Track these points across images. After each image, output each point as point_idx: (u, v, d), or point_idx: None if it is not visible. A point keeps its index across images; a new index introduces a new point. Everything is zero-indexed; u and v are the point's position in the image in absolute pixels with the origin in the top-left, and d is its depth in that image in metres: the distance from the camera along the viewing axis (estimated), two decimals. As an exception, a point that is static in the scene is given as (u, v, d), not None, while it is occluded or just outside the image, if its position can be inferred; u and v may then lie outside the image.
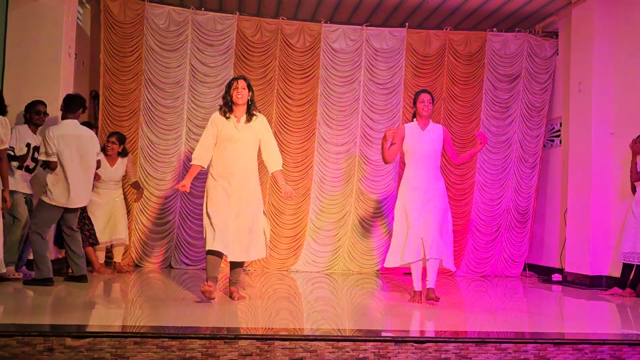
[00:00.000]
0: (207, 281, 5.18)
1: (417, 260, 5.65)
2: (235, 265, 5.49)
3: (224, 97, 5.45)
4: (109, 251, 7.56)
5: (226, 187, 5.27)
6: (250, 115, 5.41)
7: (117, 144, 7.30)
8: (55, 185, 5.99)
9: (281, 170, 5.53)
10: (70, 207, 6.10)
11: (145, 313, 4.79)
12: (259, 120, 5.48)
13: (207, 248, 5.23)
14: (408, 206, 5.69)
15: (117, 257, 7.44)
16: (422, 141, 5.80)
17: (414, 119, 5.96)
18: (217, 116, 5.42)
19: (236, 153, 5.33)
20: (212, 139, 5.39)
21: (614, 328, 5.21)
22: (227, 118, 5.37)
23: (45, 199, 6.00)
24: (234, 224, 5.26)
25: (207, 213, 5.28)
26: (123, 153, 7.39)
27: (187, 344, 3.64)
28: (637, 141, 7.04)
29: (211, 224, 5.23)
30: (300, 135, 8.63)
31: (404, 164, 6.09)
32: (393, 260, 5.74)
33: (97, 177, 6.72)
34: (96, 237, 7.00)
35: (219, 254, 5.24)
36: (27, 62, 6.82)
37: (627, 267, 6.95)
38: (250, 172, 5.39)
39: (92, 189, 6.87)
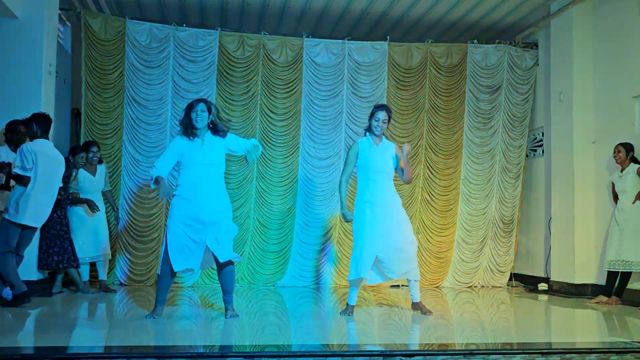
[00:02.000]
0: None
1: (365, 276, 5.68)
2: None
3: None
4: (92, 268, 7.48)
5: None
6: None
7: (99, 152, 7.32)
8: (23, 203, 5.80)
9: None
10: (34, 226, 5.99)
11: (129, 333, 4.73)
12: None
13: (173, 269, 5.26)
14: (363, 222, 5.68)
15: (103, 275, 7.36)
16: (375, 157, 5.76)
17: (366, 134, 5.90)
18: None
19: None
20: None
21: (601, 336, 5.23)
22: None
23: (9, 217, 5.81)
24: (195, 241, 5.27)
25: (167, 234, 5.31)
26: (100, 160, 7.38)
27: (173, 363, 3.60)
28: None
29: (169, 243, 5.22)
30: (284, 149, 8.62)
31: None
32: (352, 274, 5.72)
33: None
34: (77, 258, 6.93)
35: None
36: (7, 80, 6.76)
37: (611, 275, 7.00)
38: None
39: (76, 203, 6.97)
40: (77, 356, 3.59)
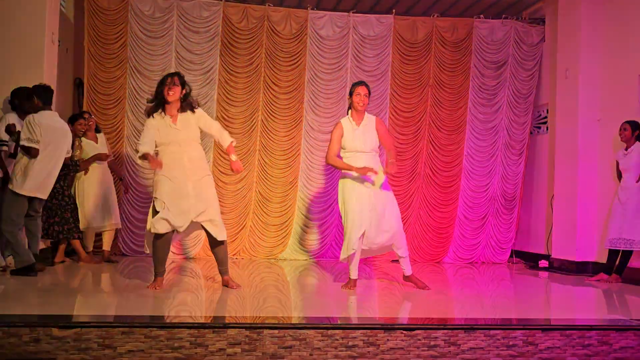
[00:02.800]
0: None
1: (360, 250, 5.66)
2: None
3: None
4: (97, 238, 7.51)
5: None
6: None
7: (93, 118, 7.31)
8: (27, 175, 5.78)
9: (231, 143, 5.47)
10: (40, 197, 5.97)
11: (133, 302, 4.76)
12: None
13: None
14: (350, 200, 5.62)
15: (107, 245, 7.36)
16: (357, 138, 5.67)
17: (349, 112, 5.80)
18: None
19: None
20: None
21: (601, 314, 5.25)
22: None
23: (15, 188, 5.78)
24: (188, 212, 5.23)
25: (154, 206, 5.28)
26: (97, 129, 7.36)
27: (175, 333, 3.62)
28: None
29: (162, 212, 5.18)
30: (287, 122, 8.59)
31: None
32: (343, 253, 5.71)
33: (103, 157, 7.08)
34: (78, 228, 6.96)
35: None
36: (10, 50, 6.69)
37: (613, 253, 7.00)
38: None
39: (85, 172, 7.03)
40: (79, 325, 3.60)
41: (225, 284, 5.46)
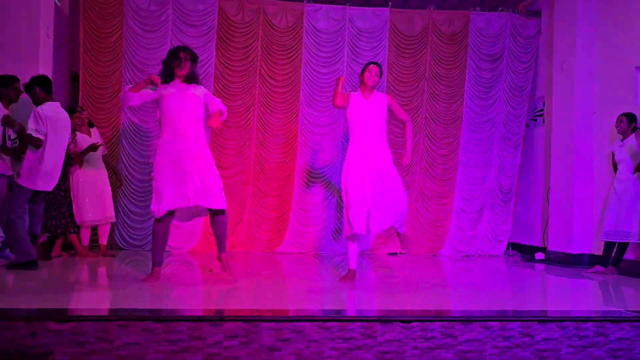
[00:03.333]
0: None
1: (361, 233, 5.63)
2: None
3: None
4: (93, 232, 7.51)
5: None
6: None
7: (85, 111, 7.32)
8: (34, 169, 5.82)
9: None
10: (47, 190, 6.03)
11: (130, 296, 4.76)
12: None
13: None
14: (352, 177, 5.63)
15: (103, 239, 7.36)
16: (365, 111, 5.73)
17: (359, 88, 5.89)
18: None
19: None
20: None
21: (597, 305, 5.27)
22: None
23: (21, 181, 5.82)
24: (185, 181, 5.27)
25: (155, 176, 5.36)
26: (90, 124, 7.36)
27: (172, 326, 3.62)
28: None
29: (158, 187, 5.28)
30: (283, 116, 8.58)
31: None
32: (344, 231, 5.73)
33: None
34: (75, 222, 6.97)
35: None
36: (4, 44, 6.67)
37: (609, 245, 7.02)
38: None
39: (80, 165, 7.01)
40: (75, 318, 3.61)
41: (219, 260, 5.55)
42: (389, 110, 5.84)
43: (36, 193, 6.00)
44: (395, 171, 5.79)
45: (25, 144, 5.90)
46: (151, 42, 8.19)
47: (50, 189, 6.07)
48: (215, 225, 5.54)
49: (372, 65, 5.81)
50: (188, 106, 5.39)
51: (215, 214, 5.47)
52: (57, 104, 6.12)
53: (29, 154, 5.85)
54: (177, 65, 5.38)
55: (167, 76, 5.42)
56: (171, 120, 5.37)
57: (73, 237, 7.01)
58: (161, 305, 4.48)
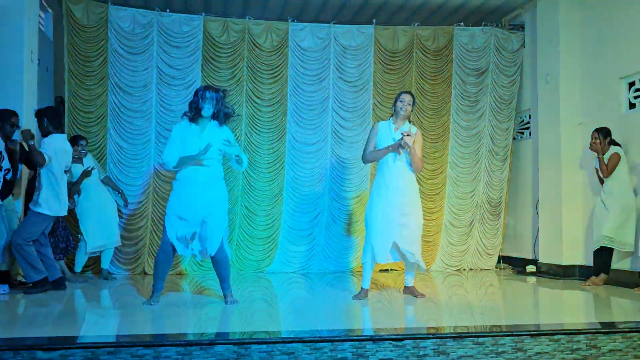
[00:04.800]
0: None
1: (381, 262, 5.78)
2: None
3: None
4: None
5: None
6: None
7: (87, 145, 7.35)
8: (50, 196, 5.99)
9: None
10: (61, 215, 6.23)
11: (119, 321, 4.71)
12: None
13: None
14: (379, 205, 5.71)
15: (106, 263, 7.40)
16: (392, 140, 5.79)
17: (391, 117, 5.96)
18: None
19: None
20: None
21: (589, 317, 5.26)
22: None
23: (38, 209, 5.97)
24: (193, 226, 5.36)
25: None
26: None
27: (162, 351, 3.58)
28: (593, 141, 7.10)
29: (167, 232, 5.36)
30: (271, 135, 8.57)
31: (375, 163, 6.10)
32: (365, 256, 5.82)
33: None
34: (68, 250, 6.96)
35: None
36: (-12, 69, 6.65)
37: (597, 255, 7.02)
38: None
39: (78, 194, 7.08)
40: (64, 346, 3.55)
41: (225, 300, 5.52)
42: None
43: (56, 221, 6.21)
44: (419, 204, 5.88)
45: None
46: (137, 65, 8.18)
47: (65, 214, 6.29)
48: (215, 265, 5.52)
49: (405, 94, 5.86)
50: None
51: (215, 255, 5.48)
52: (64, 136, 6.28)
53: (45, 182, 6.00)
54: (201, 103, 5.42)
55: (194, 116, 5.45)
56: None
57: (62, 264, 6.95)
58: (150, 330, 4.43)
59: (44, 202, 5.98)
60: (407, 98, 5.81)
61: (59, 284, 6.18)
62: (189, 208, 5.29)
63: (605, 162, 6.93)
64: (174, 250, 5.41)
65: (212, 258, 5.45)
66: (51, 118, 6.10)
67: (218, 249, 5.37)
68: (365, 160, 5.99)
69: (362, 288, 5.88)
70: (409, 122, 5.93)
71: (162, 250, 5.39)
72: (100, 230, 7.19)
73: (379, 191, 5.77)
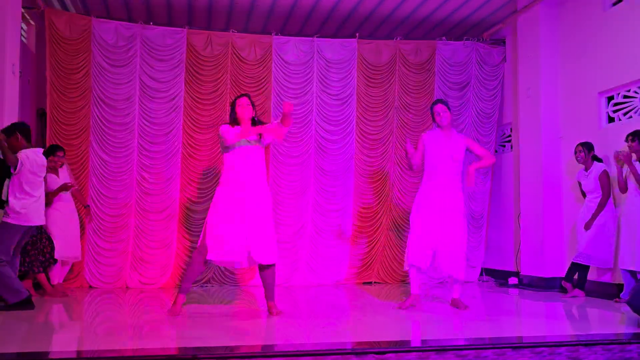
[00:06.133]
0: None
1: (422, 267, 5.92)
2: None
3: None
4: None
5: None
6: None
7: (64, 156, 7.27)
8: (27, 206, 5.92)
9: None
10: (39, 224, 6.16)
11: (100, 335, 4.66)
12: None
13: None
14: (424, 213, 5.91)
15: (62, 277, 7.27)
16: (438, 149, 5.95)
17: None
18: None
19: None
20: None
21: (570, 329, 5.29)
22: None
23: (12, 220, 5.88)
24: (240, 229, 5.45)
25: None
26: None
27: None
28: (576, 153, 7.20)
29: (208, 231, 5.43)
30: (254, 148, 8.55)
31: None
32: (408, 259, 5.99)
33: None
34: (40, 264, 6.85)
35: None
36: (-31, 81, 6.61)
37: (579, 267, 7.08)
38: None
39: (50, 204, 6.92)
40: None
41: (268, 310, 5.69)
42: (469, 150, 6.04)
43: (26, 231, 6.06)
44: (462, 214, 5.97)
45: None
46: (119, 77, 8.16)
47: (44, 222, 6.22)
48: (263, 276, 5.72)
49: (437, 104, 6.01)
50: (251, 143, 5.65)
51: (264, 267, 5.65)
52: (39, 149, 6.21)
53: (20, 193, 5.92)
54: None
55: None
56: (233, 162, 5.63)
57: (41, 277, 6.87)
58: (131, 344, 4.39)
59: (17, 212, 5.89)
60: (439, 108, 5.99)
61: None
62: (239, 202, 5.49)
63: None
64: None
65: (259, 268, 5.68)
66: (24, 132, 6.03)
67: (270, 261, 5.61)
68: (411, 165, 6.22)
69: (411, 293, 6.04)
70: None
71: (198, 251, 5.52)
72: (67, 243, 7.10)
73: (422, 197, 6.07)
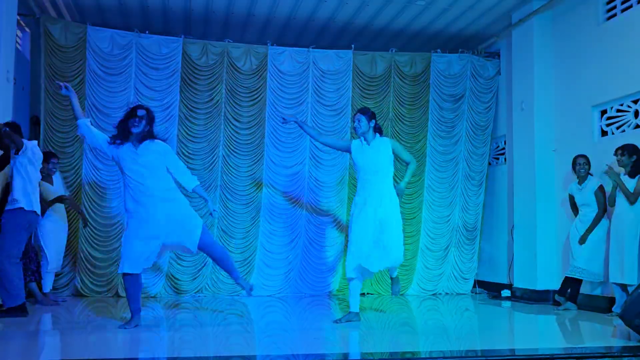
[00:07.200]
0: None
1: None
2: None
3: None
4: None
5: None
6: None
7: (58, 163, 7.26)
8: (28, 192, 5.93)
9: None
10: (38, 214, 6.12)
11: (90, 344, 4.63)
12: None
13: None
14: (356, 223, 5.85)
15: (48, 287, 7.20)
16: (366, 157, 5.94)
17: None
18: None
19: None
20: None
21: (563, 342, 5.29)
22: None
23: (18, 205, 5.87)
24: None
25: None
26: None
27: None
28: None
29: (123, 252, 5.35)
30: (248, 158, 8.56)
31: (353, 187, 6.16)
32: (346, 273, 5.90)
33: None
34: (34, 272, 6.82)
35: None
36: (-37, 88, 6.60)
37: (572, 280, 7.09)
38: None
39: (44, 214, 6.84)
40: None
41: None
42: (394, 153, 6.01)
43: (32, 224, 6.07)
44: (398, 220, 5.97)
45: None
46: (115, 86, 8.15)
47: (39, 214, 6.18)
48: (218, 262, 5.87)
49: (355, 115, 6.06)
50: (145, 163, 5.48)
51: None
52: (34, 141, 6.23)
53: (21, 178, 5.92)
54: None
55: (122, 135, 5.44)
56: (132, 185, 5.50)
57: (33, 286, 6.83)
58: (122, 353, 4.37)
59: (22, 200, 5.89)
60: (355, 118, 6.01)
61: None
62: (151, 227, 5.35)
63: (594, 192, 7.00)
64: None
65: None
66: (16, 130, 6.03)
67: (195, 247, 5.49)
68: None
69: (350, 312, 5.87)
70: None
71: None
72: (56, 252, 7.10)
73: (355, 208, 5.97)
